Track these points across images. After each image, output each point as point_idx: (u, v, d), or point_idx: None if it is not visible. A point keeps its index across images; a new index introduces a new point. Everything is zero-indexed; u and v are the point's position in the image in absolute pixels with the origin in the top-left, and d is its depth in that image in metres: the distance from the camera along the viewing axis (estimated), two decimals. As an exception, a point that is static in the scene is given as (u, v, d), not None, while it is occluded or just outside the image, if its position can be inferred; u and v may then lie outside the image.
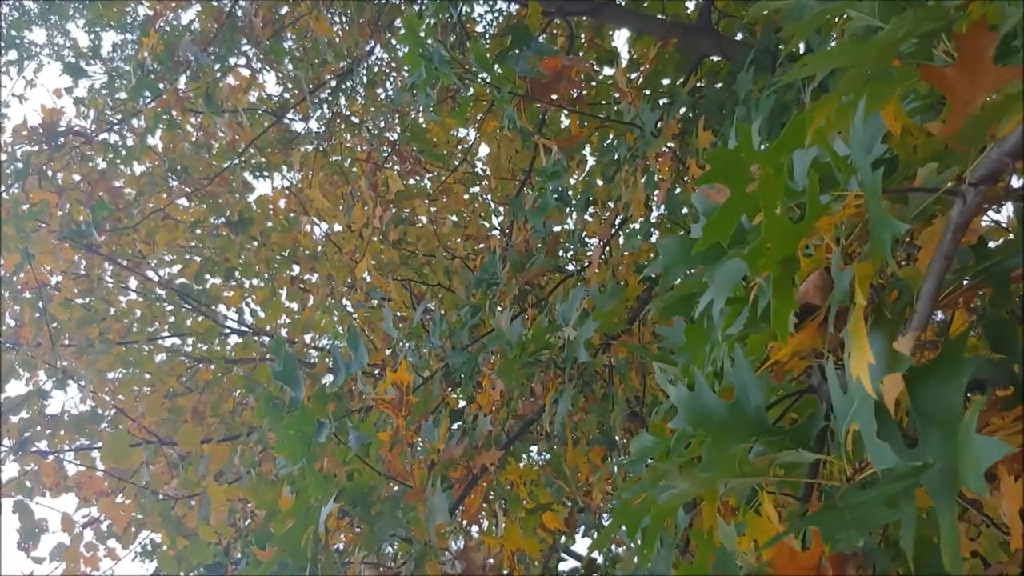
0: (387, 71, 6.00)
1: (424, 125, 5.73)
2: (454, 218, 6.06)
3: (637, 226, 3.40)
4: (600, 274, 3.15)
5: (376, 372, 4.45)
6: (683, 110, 3.18)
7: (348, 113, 5.99)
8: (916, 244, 1.23)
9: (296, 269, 6.08)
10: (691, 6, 4.31)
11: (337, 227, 5.69)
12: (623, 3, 4.13)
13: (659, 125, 2.79)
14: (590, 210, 3.72)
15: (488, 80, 2.74)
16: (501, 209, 5.79)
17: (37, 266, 4.78)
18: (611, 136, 3.80)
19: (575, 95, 2.98)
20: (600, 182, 3.84)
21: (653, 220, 3.36)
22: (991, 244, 1.12)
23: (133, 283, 5.89)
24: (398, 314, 4.89)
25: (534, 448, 4.60)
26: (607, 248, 3.56)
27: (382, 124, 5.97)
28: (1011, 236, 1.21)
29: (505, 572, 2.74)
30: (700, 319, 1.19)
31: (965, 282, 1.11)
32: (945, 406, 0.85)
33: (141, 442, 4.56)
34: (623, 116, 2.93)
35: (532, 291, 3.81)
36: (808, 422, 1.06)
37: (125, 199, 5.34)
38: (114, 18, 6.60)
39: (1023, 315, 1.15)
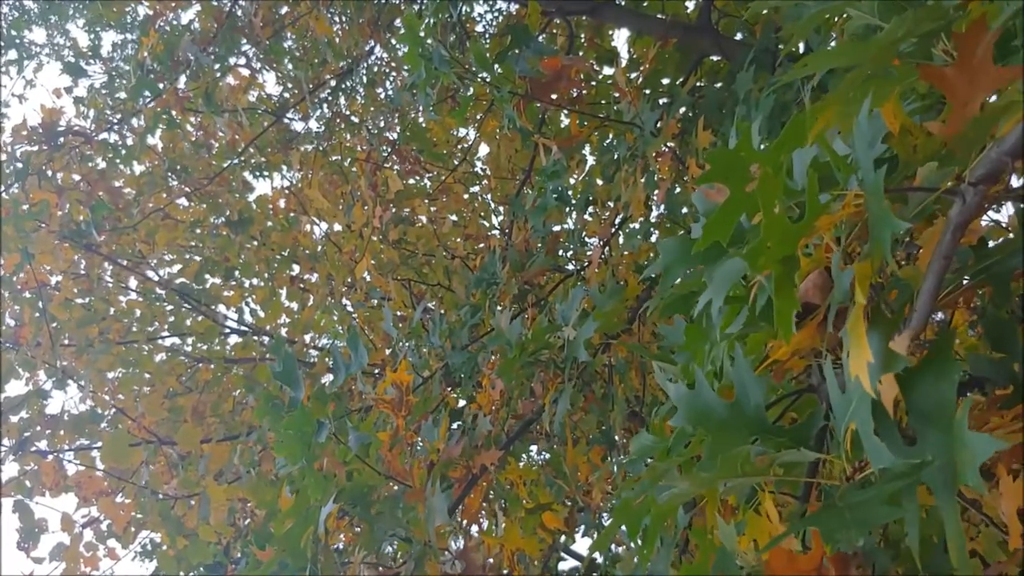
0: (387, 71, 6.00)
1: (424, 125, 5.73)
2: (454, 218, 6.06)
3: (637, 226, 3.40)
4: (600, 274, 3.15)
5: (376, 372, 4.45)
6: (683, 110, 3.18)
7: (348, 113, 5.99)
8: (916, 244, 1.23)
9: (296, 269, 6.08)
10: (691, 6, 4.31)
11: (337, 227, 5.69)
12: (623, 3, 4.13)
13: (659, 125, 2.79)
14: (590, 210, 3.72)
15: (488, 80, 2.74)
16: (501, 209, 5.79)
17: (37, 266, 4.78)
18: (611, 136, 3.80)
19: (575, 95, 2.98)
20: (600, 182, 3.84)
21: (653, 220, 3.36)
22: (991, 244, 1.12)
23: (133, 283, 5.89)
24: (398, 314, 4.89)
25: (534, 448, 4.60)
26: (607, 248, 3.56)
27: (382, 124, 5.97)
28: (1011, 236, 1.21)
29: (505, 572, 2.74)
30: (699, 318, 1.19)
31: (965, 282, 1.11)
32: (939, 404, 0.85)
33: (141, 442, 4.56)
34: (623, 116, 2.94)
35: (532, 291, 3.81)
36: (808, 421, 1.06)
37: (125, 199, 5.34)
38: (114, 18, 6.60)
39: (1023, 314, 1.15)
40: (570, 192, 3.30)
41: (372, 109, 6.05)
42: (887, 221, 0.85)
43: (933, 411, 0.85)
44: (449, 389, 3.53)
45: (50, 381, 5.07)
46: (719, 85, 3.57)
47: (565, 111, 3.19)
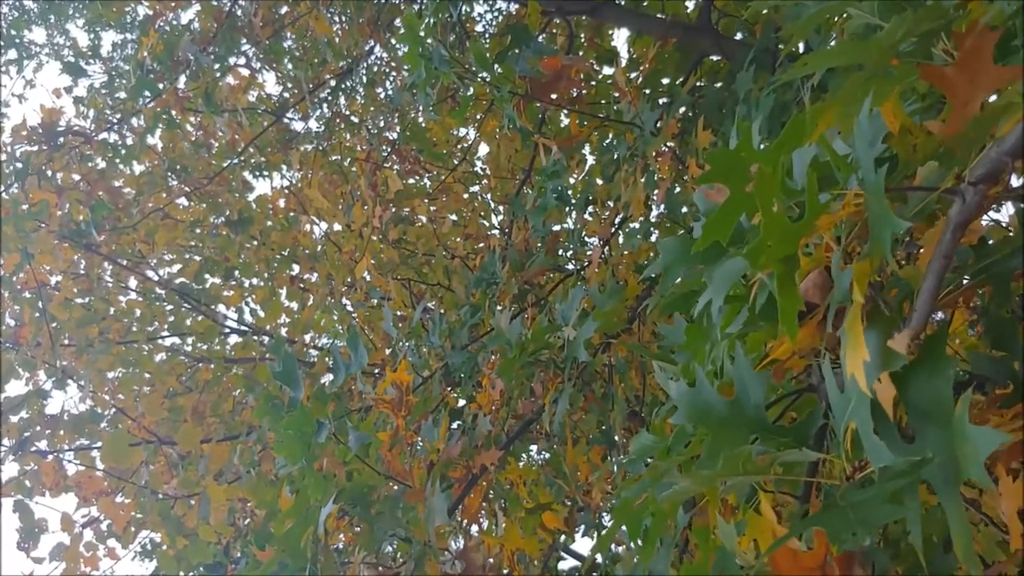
0: (387, 71, 5.99)
1: (424, 124, 5.73)
2: (454, 217, 6.06)
3: (637, 225, 3.40)
4: (600, 273, 3.15)
5: (376, 372, 4.45)
6: (683, 109, 3.18)
7: (348, 113, 5.99)
8: (916, 244, 1.23)
9: (296, 268, 6.08)
10: (691, 5, 4.31)
11: (337, 226, 5.69)
12: (623, 2, 4.13)
13: (659, 124, 2.79)
14: (590, 209, 3.71)
15: (488, 79, 2.74)
16: (501, 208, 5.79)
17: (37, 266, 4.78)
18: (611, 135, 3.80)
19: (575, 94, 2.98)
20: (600, 181, 3.84)
21: (653, 219, 3.36)
22: (991, 243, 1.12)
23: (133, 283, 5.89)
24: (398, 313, 4.89)
25: (534, 448, 4.60)
26: (607, 247, 3.56)
27: (382, 123, 5.97)
28: (1011, 234, 1.21)
29: (505, 572, 2.74)
30: (700, 318, 1.19)
31: (965, 281, 1.11)
32: (936, 400, 0.85)
33: (141, 442, 4.56)
34: (623, 115, 2.94)
35: (532, 290, 3.81)
36: (807, 420, 1.06)
37: (125, 199, 5.33)
38: (114, 18, 6.60)
39: (1023, 313, 1.16)
40: (570, 192, 3.30)
41: (372, 109, 6.05)
42: (887, 220, 0.85)
43: (930, 408, 0.85)
44: (449, 389, 3.53)
45: (50, 381, 5.07)
46: (719, 85, 3.57)
47: (565, 111, 3.19)
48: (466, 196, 6.04)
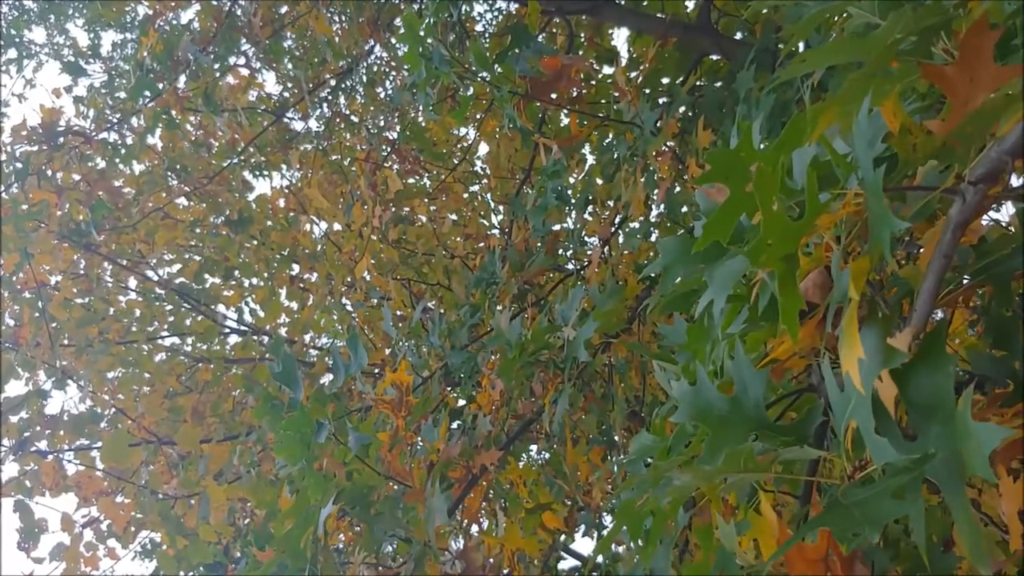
0: (387, 70, 5.99)
1: (424, 124, 5.72)
2: (454, 217, 6.06)
3: (637, 225, 3.39)
4: (600, 273, 3.15)
5: (376, 372, 4.45)
6: (683, 109, 3.18)
7: (348, 112, 5.99)
8: (916, 243, 1.23)
9: (296, 268, 6.08)
10: (691, 5, 4.31)
11: (336, 226, 5.69)
12: (622, 2, 4.13)
13: (659, 124, 2.79)
14: (590, 209, 3.71)
15: (488, 79, 2.73)
16: (501, 208, 5.78)
17: (36, 266, 4.78)
18: (611, 135, 3.80)
19: (575, 94, 2.98)
20: (600, 181, 3.84)
21: (653, 219, 3.36)
22: (991, 242, 1.12)
23: (132, 283, 5.89)
24: (398, 313, 4.89)
25: (534, 448, 4.59)
26: (607, 247, 3.56)
27: (382, 123, 5.97)
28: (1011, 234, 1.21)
29: (505, 572, 2.74)
30: (700, 318, 1.19)
31: (965, 281, 1.11)
32: (936, 397, 0.85)
33: (141, 442, 4.56)
34: (623, 115, 2.93)
35: (531, 290, 3.81)
36: (807, 418, 1.06)
37: (124, 198, 5.33)
38: (113, 17, 6.59)
39: (1023, 313, 1.15)
40: (570, 192, 3.30)
41: (372, 109, 6.05)
42: (887, 220, 0.85)
43: (931, 405, 0.85)
44: (449, 389, 3.53)
45: (50, 381, 5.07)
46: (719, 84, 3.56)
47: (565, 111, 3.19)
48: (466, 196, 6.04)
